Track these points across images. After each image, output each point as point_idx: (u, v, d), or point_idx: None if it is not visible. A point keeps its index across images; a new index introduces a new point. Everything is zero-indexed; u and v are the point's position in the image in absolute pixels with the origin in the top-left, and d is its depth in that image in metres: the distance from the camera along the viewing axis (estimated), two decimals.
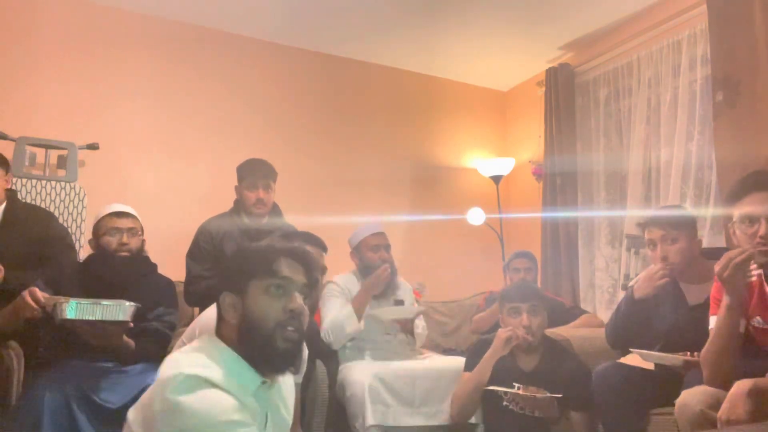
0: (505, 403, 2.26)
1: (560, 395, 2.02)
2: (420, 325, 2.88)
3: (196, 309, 2.81)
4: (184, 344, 1.79)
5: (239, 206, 2.88)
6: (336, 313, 2.64)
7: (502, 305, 2.41)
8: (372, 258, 2.80)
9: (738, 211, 1.68)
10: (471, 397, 2.32)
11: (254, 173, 2.83)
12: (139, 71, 3.56)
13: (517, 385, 2.22)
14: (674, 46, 3.45)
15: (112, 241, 2.26)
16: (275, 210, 2.96)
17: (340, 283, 2.80)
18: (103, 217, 2.31)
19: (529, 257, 3.41)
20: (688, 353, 1.96)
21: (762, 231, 1.61)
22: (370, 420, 2.28)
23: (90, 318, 1.94)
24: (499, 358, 2.34)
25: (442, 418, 2.43)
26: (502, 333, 2.30)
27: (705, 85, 3.24)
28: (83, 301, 1.93)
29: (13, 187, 2.65)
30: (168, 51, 3.65)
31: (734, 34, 2.91)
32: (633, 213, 3.56)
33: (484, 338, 2.47)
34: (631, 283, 2.31)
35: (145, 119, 3.56)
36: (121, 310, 2.00)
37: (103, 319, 1.96)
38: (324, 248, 2.04)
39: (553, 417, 2.09)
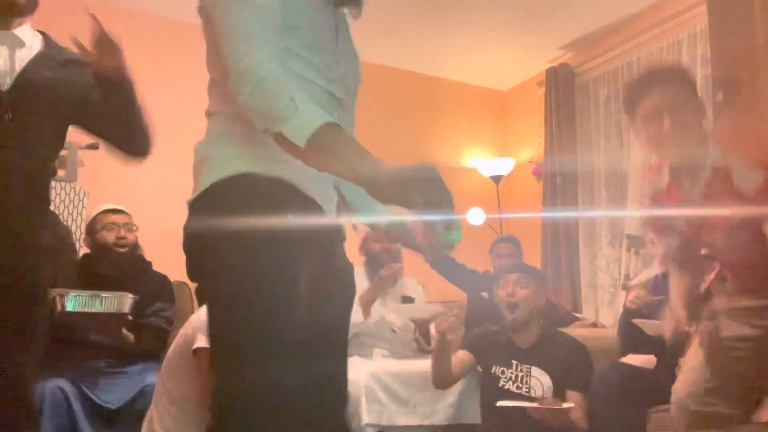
0: (501, 383, 2.27)
1: (572, 405, 2.02)
2: (434, 328, 2.89)
3: (197, 308, 2.80)
4: (179, 344, 1.80)
5: None
6: None
7: (499, 281, 2.45)
8: (376, 249, 2.83)
9: (640, 112, 1.61)
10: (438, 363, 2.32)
11: None
12: (139, 71, 3.55)
13: (517, 378, 2.22)
14: (674, 46, 3.45)
15: (109, 235, 2.28)
16: None
17: None
18: (97, 215, 2.33)
19: (513, 242, 3.39)
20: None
21: (665, 127, 1.54)
22: (366, 419, 2.28)
23: (89, 310, 1.95)
24: (496, 335, 2.38)
25: (437, 417, 2.43)
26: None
27: (705, 85, 3.24)
28: (82, 293, 1.95)
29: None
30: (168, 50, 3.65)
31: (734, 34, 2.91)
32: (633, 213, 3.56)
33: (484, 329, 2.49)
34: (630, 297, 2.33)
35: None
36: (120, 302, 2.01)
37: (103, 311, 1.97)
38: None
39: (569, 426, 2.07)
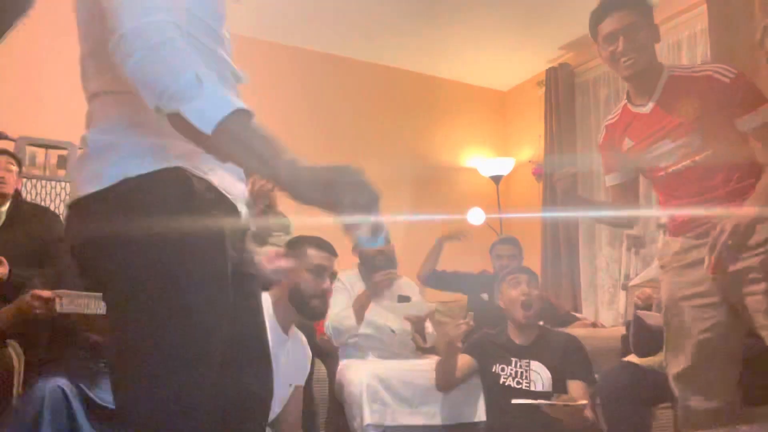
0: (502, 380, 2.31)
1: (586, 402, 2.03)
2: (429, 326, 2.89)
3: None
4: None
5: None
6: (338, 310, 2.67)
7: (503, 281, 2.47)
8: (369, 250, 2.82)
9: (600, 35, 1.77)
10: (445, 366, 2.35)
11: None
12: None
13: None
14: (674, 46, 3.45)
15: None
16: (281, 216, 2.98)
17: (343, 279, 2.82)
18: None
19: (513, 243, 3.37)
20: None
21: (620, 47, 1.70)
22: (368, 419, 2.28)
23: (87, 312, 1.95)
24: (495, 337, 2.42)
25: (440, 417, 2.43)
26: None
27: None
28: (81, 294, 1.95)
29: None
30: None
31: (734, 34, 2.91)
32: (633, 213, 3.55)
33: (483, 333, 2.51)
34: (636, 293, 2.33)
35: None
36: None
37: (101, 312, 1.97)
38: (334, 254, 2.05)
39: (582, 424, 2.08)
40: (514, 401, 2.08)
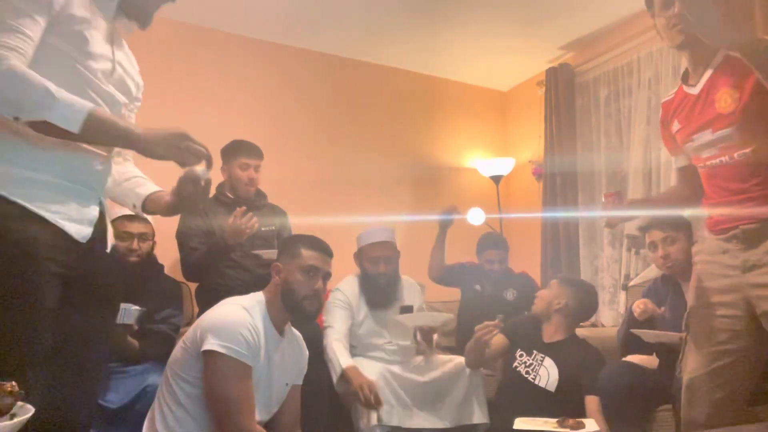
0: (515, 364, 2.43)
1: (598, 429, 2.03)
2: (436, 336, 2.86)
3: (197, 310, 2.79)
4: (186, 345, 1.80)
5: (224, 187, 2.88)
6: (337, 326, 2.61)
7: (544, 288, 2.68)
8: (369, 269, 2.76)
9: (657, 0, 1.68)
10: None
11: (251, 153, 2.87)
12: (139, 71, 3.55)
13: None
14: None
15: (121, 245, 2.23)
16: (278, 210, 2.97)
17: (347, 293, 2.73)
18: (113, 220, 2.29)
19: (502, 247, 3.38)
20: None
21: (676, 9, 1.61)
22: (374, 420, 2.28)
23: None
24: (530, 326, 2.54)
25: (446, 419, 2.43)
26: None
27: None
28: None
29: None
30: (168, 51, 3.65)
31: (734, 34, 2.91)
32: (633, 213, 3.55)
33: (523, 318, 2.65)
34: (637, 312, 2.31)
35: (145, 119, 3.55)
36: (126, 314, 2.01)
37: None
38: (329, 254, 2.03)
39: None
40: (516, 426, 2.07)
